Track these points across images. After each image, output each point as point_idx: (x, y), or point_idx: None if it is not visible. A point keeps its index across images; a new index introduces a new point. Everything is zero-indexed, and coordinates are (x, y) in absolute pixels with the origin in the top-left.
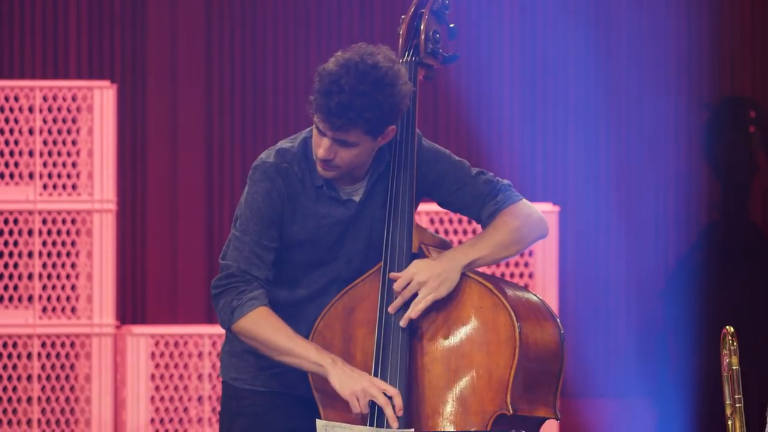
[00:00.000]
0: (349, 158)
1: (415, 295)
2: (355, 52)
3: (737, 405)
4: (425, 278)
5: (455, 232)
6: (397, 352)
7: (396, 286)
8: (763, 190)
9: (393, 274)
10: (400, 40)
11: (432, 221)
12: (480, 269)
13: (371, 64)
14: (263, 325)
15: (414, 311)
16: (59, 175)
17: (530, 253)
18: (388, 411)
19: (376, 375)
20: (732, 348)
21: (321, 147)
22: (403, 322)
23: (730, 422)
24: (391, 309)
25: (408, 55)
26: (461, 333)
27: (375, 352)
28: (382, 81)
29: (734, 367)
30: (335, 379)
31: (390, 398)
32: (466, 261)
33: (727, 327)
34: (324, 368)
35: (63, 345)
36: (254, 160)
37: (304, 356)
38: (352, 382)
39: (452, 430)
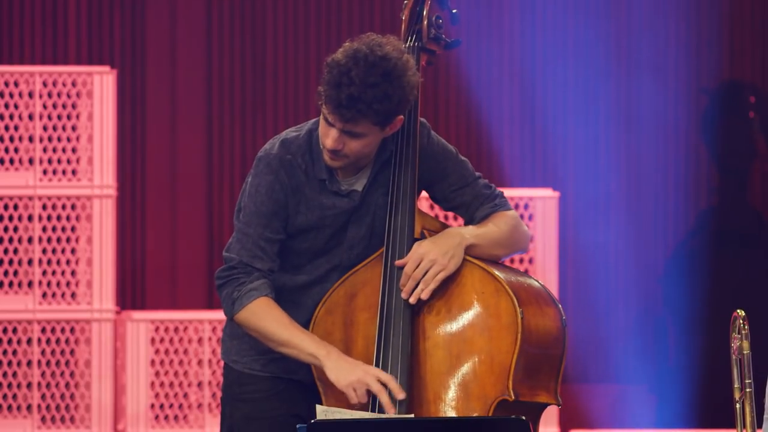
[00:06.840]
0: (357, 148)
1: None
2: (364, 42)
3: (747, 390)
4: (435, 257)
5: (455, 218)
6: (399, 337)
7: (407, 269)
8: (762, 175)
9: (399, 261)
10: (403, 25)
11: (432, 206)
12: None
13: (380, 55)
14: (262, 317)
15: (426, 291)
16: (59, 161)
17: (530, 239)
18: (383, 398)
19: (378, 359)
20: (743, 332)
21: (329, 138)
22: (413, 299)
23: (738, 406)
24: (412, 299)
25: (411, 41)
26: (463, 318)
27: (377, 336)
28: (391, 72)
29: (745, 351)
30: (331, 372)
31: (385, 385)
32: (469, 241)
33: (738, 311)
34: (320, 360)
35: (63, 330)
36: (254, 146)
37: (301, 348)
38: (348, 374)
39: (454, 415)
